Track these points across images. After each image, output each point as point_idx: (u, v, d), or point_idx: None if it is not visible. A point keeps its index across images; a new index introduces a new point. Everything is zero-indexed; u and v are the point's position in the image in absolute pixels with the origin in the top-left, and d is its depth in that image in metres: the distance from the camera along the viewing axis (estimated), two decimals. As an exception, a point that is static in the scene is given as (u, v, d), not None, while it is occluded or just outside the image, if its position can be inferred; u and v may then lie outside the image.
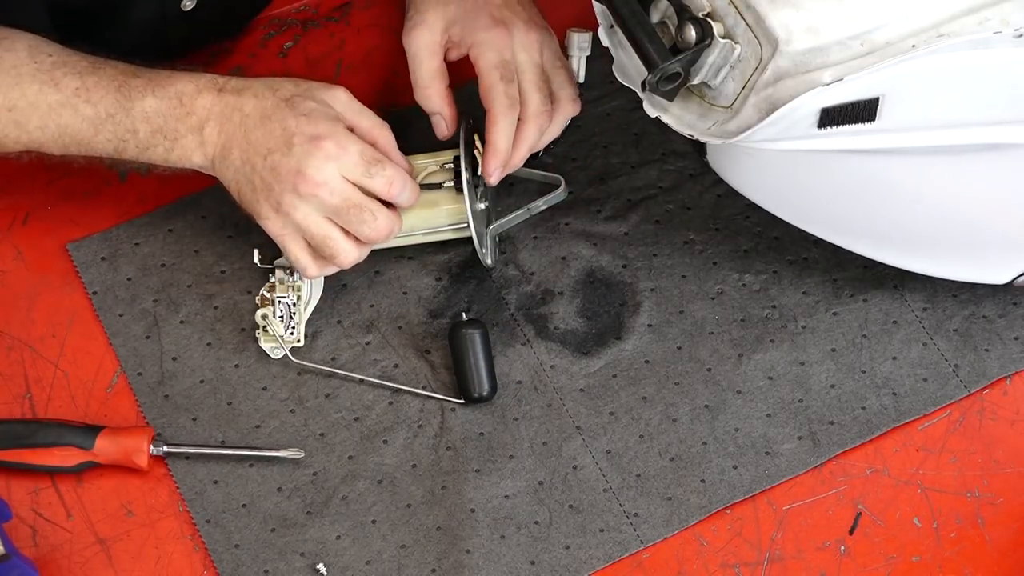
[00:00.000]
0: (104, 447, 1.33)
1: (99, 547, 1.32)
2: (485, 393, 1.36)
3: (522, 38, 1.35)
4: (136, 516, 1.33)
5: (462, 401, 1.37)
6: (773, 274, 1.42)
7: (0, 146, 1.33)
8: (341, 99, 1.32)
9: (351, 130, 1.31)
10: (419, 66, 1.37)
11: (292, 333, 1.37)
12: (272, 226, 1.31)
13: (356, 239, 1.32)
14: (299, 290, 1.38)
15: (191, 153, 1.32)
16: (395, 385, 1.37)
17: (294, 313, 1.37)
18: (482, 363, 1.36)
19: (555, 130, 1.38)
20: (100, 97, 1.31)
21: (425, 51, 1.36)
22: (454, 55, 1.36)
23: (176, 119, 1.31)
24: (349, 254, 1.32)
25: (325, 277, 1.40)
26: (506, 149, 1.35)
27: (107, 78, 1.32)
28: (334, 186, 1.29)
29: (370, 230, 1.31)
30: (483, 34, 1.34)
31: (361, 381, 1.38)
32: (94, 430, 1.33)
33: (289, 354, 1.37)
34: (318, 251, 1.32)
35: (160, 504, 1.34)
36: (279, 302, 1.38)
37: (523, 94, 1.35)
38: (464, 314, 1.39)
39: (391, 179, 1.31)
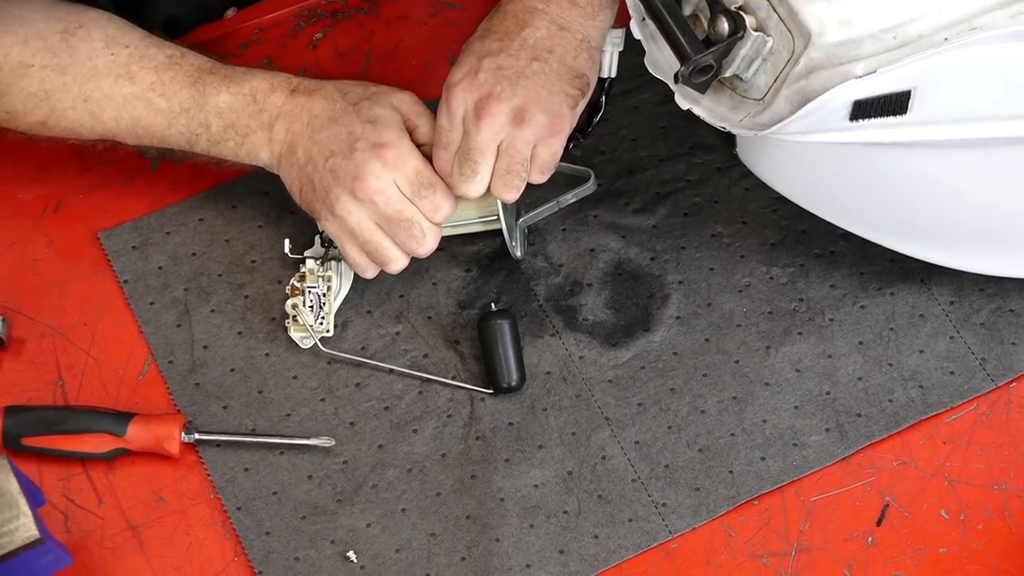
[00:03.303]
0: (136, 434, 1.33)
1: (130, 533, 1.33)
2: (514, 383, 1.37)
3: (471, 106, 1.30)
4: (167, 503, 1.34)
5: (491, 391, 1.37)
6: (800, 267, 1.43)
7: (75, 134, 1.36)
8: (407, 102, 1.34)
9: (412, 130, 1.33)
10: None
11: (322, 323, 1.38)
12: (330, 227, 1.33)
13: (409, 254, 1.34)
14: (329, 280, 1.39)
15: (259, 149, 1.34)
16: (424, 375, 1.38)
17: (324, 303, 1.38)
18: (511, 353, 1.37)
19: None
20: (175, 91, 1.33)
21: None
22: None
23: (248, 115, 1.33)
24: (399, 262, 1.34)
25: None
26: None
27: (183, 73, 1.34)
28: (389, 195, 1.30)
29: (417, 245, 1.32)
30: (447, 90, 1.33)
31: (391, 371, 1.39)
32: (126, 417, 1.34)
33: (319, 343, 1.37)
34: (371, 256, 1.34)
35: (191, 491, 1.35)
36: (309, 292, 1.39)
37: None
38: (493, 304, 1.40)
39: (438, 207, 1.32)
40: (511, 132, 1.30)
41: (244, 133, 1.33)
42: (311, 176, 1.32)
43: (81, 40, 1.33)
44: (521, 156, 1.31)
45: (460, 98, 1.30)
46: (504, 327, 1.37)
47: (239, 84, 1.33)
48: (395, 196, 1.30)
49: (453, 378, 1.38)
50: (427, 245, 1.33)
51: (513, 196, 1.32)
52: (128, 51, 1.34)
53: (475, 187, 1.31)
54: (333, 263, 1.40)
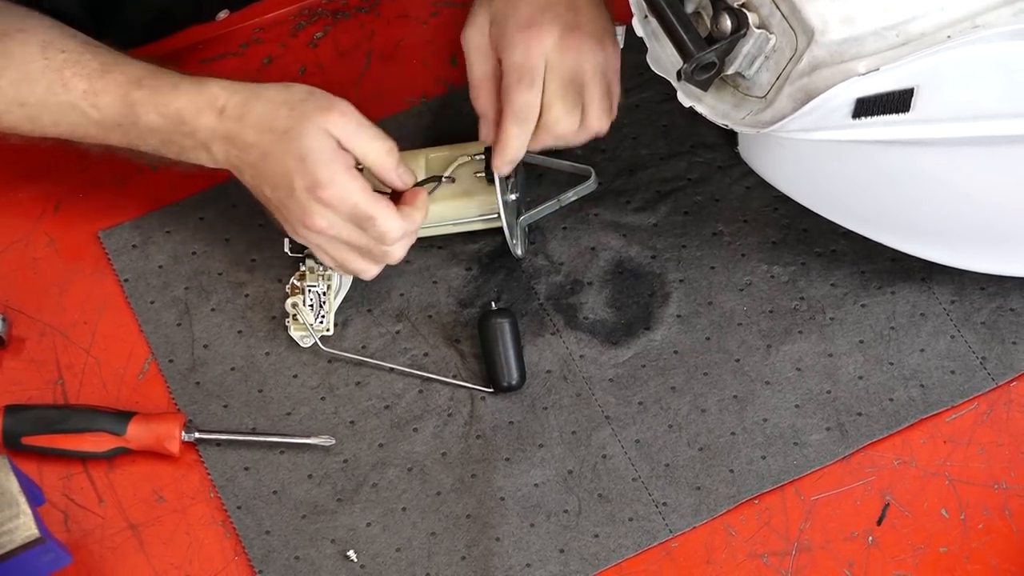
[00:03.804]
0: (136, 433, 1.33)
1: (130, 532, 1.33)
2: (514, 382, 1.37)
3: (556, 43, 1.31)
4: (167, 502, 1.34)
5: (491, 390, 1.37)
6: (801, 266, 1.43)
7: (19, 133, 1.34)
8: (337, 122, 1.28)
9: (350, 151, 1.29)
10: (470, 68, 1.35)
11: (322, 321, 1.38)
12: (298, 239, 1.33)
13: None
14: (329, 279, 1.38)
15: (203, 161, 1.33)
16: (424, 374, 1.38)
17: (324, 302, 1.38)
18: (511, 352, 1.36)
19: (576, 141, 1.35)
20: (107, 104, 1.31)
21: (475, 53, 1.35)
22: (499, 51, 1.33)
23: (181, 135, 1.31)
24: (370, 271, 1.34)
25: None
26: (515, 152, 1.33)
27: (115, 84, 1.31)
28: (339, 229, 1.30)
29: (381, 258, 1.33)
30: (513, 34, 1.31)
31: (391, 370, 1.38)
32: (126, 416, 1.34)
33: (319, 342, 1.37)
34: (341, 268, 1.34)
35: (191, 490, 1.34)
36: (309, 291, 1.38)
37: (545, 101, 1.32)
38: (493, 303, 1.39)
39: (383, 233, 1.30)
40: (602, 57, 1.32)
41: (181, 149, 1.32)
42: (266, 199, 1.32)
43: (18, 44, 1.32)
44: (609, 78, 1.33)
45: (544, 31, 1.30)
46: (504, 326, 1.37)
47: (166, 104, 1.30)
48: (345, 228, 1.30)
49: (454, 377, 1.38)
50: (392, 257, 1.33)
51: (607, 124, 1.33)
52: (63, 56, 1.32)
53: (576, 119, 1.32)
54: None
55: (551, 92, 1.32)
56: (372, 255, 1.32)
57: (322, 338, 1.38)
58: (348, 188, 1.28)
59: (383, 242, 1.31)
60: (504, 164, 1.34)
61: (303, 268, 1.39)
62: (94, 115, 1.31)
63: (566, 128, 1.33)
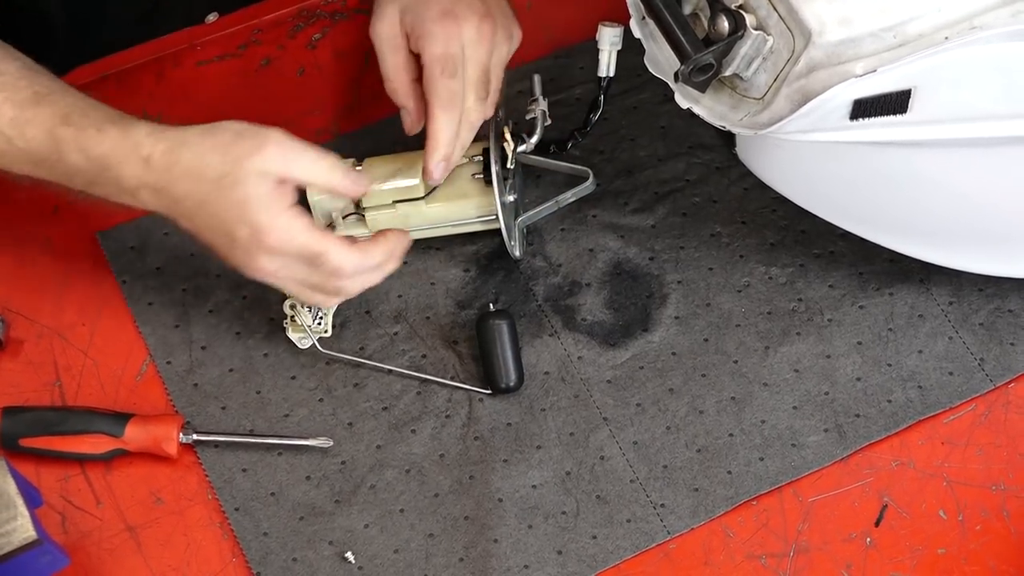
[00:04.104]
0: (134, 435, 1.33)
1: (128, 534, 1.33)
2: (512, 384, 1.37)
3: (473, 34, 1.32)
4: (165, 503, 1.34)
5: (489, 392, 1.37)
6: (799, 267, 1.43)
7: None
8: (271, 155, 1.24)
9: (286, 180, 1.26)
10: (382, 61, 1.35)
11: (320, 323, 1.38)
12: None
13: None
14: None
15: (134, 205, 1.28)
16: (422, 375, 1.38)
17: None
18: (509, 354, 1.36)
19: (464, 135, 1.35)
20: (32, 137, 1.26)
21: (387, 45, 1.35)
22: (414, 47, 1.34)
23: (105, 181, 1.26)
24: (329, 302, 1.33)
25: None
26: (447, 144, 1.33)
27: (42, 117, 1.26)
28: (289, 270, 1.27)
29: (336, 293, 1.31)
30: (431, 25, 1.32)
31: (389, 371, 1.38)
32: (124, 418, 1.34)
33: (317, 344, 1.37)
34: (298, 299, 1.33)
35: (189, 492, 1.34)
36: None
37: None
38: (492, 305, 1.39)
39: (336, 269, 1.27)
40: (506, 48, 1.34)
41: (107, 191, 1.27)
42: (208, 244, 1.27)
43: None
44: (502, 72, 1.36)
45: (462, 22, 1.30)
46: (503, 327, 1.36)
47: (91, 147, 1.25)
48: (296, 268, 1.27)
49: (452, 379, 1.38)
50: (348, 292, 1.30)
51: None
52: (0, 80, 1.28)
53: (487, 111, 1.33)
54: None
55: (467, 82, 1.32)
56: (326, 290, 1.30)
57: (320, 340, 1.38)
58: (292, 230, 1.25)
59: (338, 277, 1.28)
60: (439, 159, 1.33)
61: None
62: (21, 145, 1.27)
63: (478, 117, 1.34)
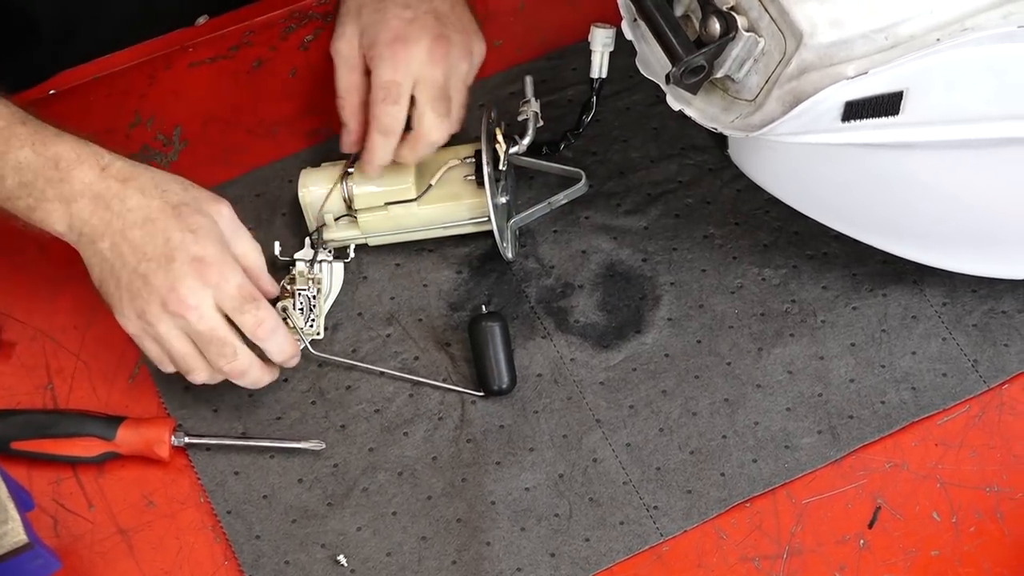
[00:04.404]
0: (126, 438, 1.33)
1: (120, 537, 1.33)
2: (505, 386, 1.36)
3: (425, 57, 1.33)
4: (157, 507, 1.34)
5: (482, 394, 1.37)
6: (793, 268, 1.43)
7: None
8: (225, 215, 1.28)
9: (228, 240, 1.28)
10: (337, 78, 1.37)
11: (312, 325, 1.38)
12: (129, 327, 1.28)
13: (219, 373, 1.30)
14: (319, 283, 1.38)
15: (53, 220, 1.26)
16: (415, 378, 1.38)
17: (314, 306, 1.38)
18: (502, 356, 1.36)
19: (420, 150, 1.36)
20: None
21: (343, 63, 1.36)
22: (369, 64, 1.35)
23: (46, 180, 1.26)
24: (202, 373, 1.29)
25: (345, 270, 1.40)
26: (377, 166, 1.35)
27: None
28: (204, 312, 1.25)
29: (227, 365, 1.28)
30: (382, 49, 1.33)
31: (381, 374, 1.38)
32: (115, 421, 1.33)
33: (309, 347, 1.37)
34: (174, 363, 1.29)
35: (181, 495, 1.34)
36: (299, 295, 1.38)
37: (419, 112, 1.34)
38: (484, 307, 1.39)
39: (261, 320, 1.27)
40: (465, 66, 1.36)
41: (39, 198, 1.26)
42: (117, 272, 1.26)
43: None
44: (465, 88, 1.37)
45: (412, 48, 1.32)
46: (495, 329, 1.36)
47: (45, 145, 1.26)
48: (209, 314, 1.25)
49: (444, 381, 1.38)
50: (237, 367, 1.28)
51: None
52: None
53: (452, 127, 1.35)
54: (324, 265, 1.39)
55: (423, 104, 1.34)
56: (219, 356, 1.27)
57: (312, 342, 1.37)
58: (234, 268, 1.26)
59: (256, 330, 1.27)
60: (372, 172, 1.36)
61: (293, 272, 1.38)
62: None
63: (439, 136, 1.35)
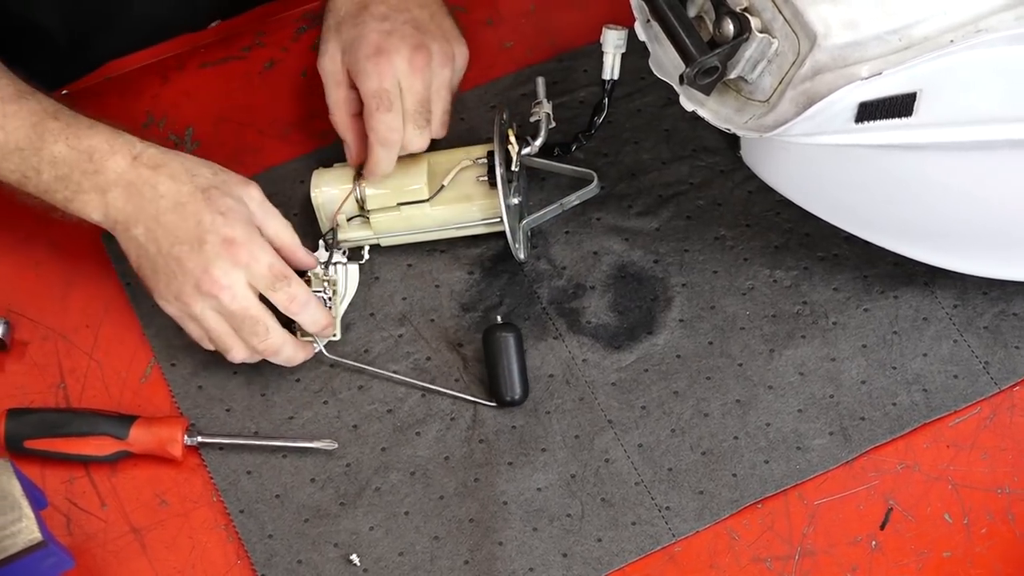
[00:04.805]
0: (138, 437, 1.33)
1: (133, 536, 1.33)
2: (517, 397, 1.36)
3: (406, 67, 1.34)
4: (170, 506, 1.34)
5: (494, 404, 1.37)
6: (804, 270, 1.43)
7: None
8: (255, 197, 1.31)
9: (259, 229, 1.31)
10: (327, 95, 1.39)
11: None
12: (169, 308, 1.31)
13: (254, 352, 1.32)
14: (335, 284, 1.38)
15: (90, 210, 1.30)
16: (426, 385, 1.37)
17: (330, 306, 1.37)
18: (515, 367, 1.35)
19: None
20: (14, 127, 1.29)
21: (330, 80, 1.38)
22: (355, 82, 1.36)
23: (82, 173, 1.29)
24: (240, 353, 1.32)
25: (360, 271, 1.40)
26: (384, 170, 1.36)
27: (27, 111, 1.30)
28: (237, 291, 1.28)
29: (260, 343, 1.30)
30: (364, 63, 1.34)
31: (389, 378, 1.38)
32: (128, 420, 1.34)
33: (323, 350, 1.36)
34: (212, 342, 1.32)
35: (194, 494, 1.34)
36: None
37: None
38: (499, 317, 1.39)
39: (293, 296, 1.30)
40: (447, 72, 1.36)
41: (75, 190, 1.29)
42: (153, 257, 1.29)
43: None
44: (453, 89, 1.39)
45: (393, 58, 1.33)
46: (509, 340, 1.35)
47: (78, 138, 1.29)
48: (242, 293, 1.28)
49: (456, 381, 1.38)
50: (271, 344, 1.31)
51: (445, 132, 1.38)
52: None
53: (434, 133, 1.36)
54: (339, 267, 1.39)
55: (405, 114, 1.35)
56: (252, 335, 1.30)
57: (330, 344, 1.37)
58: (264, 248, 1.29)
59: (289, 307, 1.30)
60: (378, 179, 1.38)
61: (309, 274, 1.38)
62: None
63: (419, 145, 1.36)
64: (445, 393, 1.37)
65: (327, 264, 1.38)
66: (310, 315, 1.32)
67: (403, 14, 1.36)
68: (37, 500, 1.26)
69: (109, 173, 1.29)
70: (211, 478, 1.35)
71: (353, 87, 1.37)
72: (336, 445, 1.35)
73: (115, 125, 1.32)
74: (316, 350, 1.36)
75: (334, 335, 1.38)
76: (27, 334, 1.39)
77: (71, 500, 1.34)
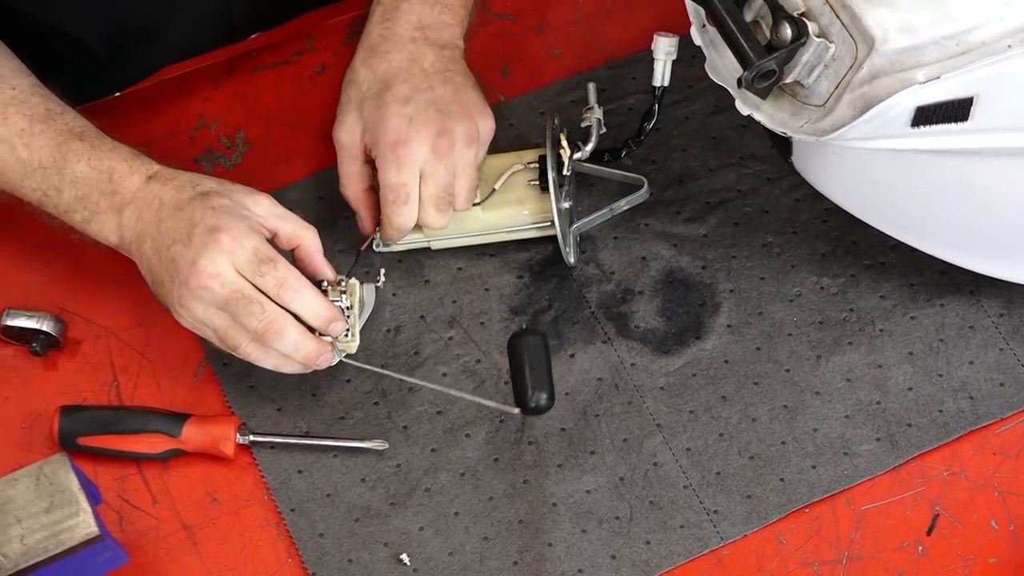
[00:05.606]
0: (191, 435, 1.34)
1: (184, 534, 1.34)
2: (543, 403, 1.30)
3: (428, 154, 1.34)
4: (221, 504, 1.34)
5: (517, 411, 1.32)
6: (851, 278, 1.44)
7: None
8: (263, 204, 1.30)
9: (274, 237, 1.30)
10: (340, 166, 1.39)
11: (347, 336, 1.34)
12: (182, 322, 1.30)
13: (258, 338, 1.29)
14: (352, 295, 1.34)
15: (107, 231, 1.31)
16: (445, 390, 1.36)
17: (348, 316, 1.34)
18: (539, 372, 1.30)
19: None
20: (40, 145, 1.31)
21: (345, 154, 1.38)
22: (372, 158, 1.37)
23: (100, 193, 1.30)
24: (249, 346, 1.29)
25: (410, 276, 1.41)
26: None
27: (54, 130, 1.31)
28: (225, 278, 1.26)
29: (257, 323, 1.27)
30: (385, 151, 1.34)
31: (406, 382, 1.38)
32: (181, 418, 1.34)
33: (344, 359, 1.34)
34: (224, 344, 1.30)
35: (245, 492, 1.35)
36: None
37: (421, 204, 1.35)
38: (524, 324, 1.39)
39: (282, 280, 1.27)
40: (472, 152, 1.36)
41: (93, 210, 1.30)
42: (158, 269, 1.29)
43: None
44: (479, 164, 1.39)
45: (414, 148, 1.33)
46: (529, 345, 1.31)
47: (100, 159, 1.30)
48: (230, 277, 1.26)
49: (506, 383, 1.38)
50: (268, 321, 1.27)
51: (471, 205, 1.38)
52: (12, 93, 1.32)
53: (449, 215, 1.36)
54: (355, 282, 1.35)
55: (425, 200, 1.35)
56: (249, 316, 1.27)
57: (348, 347, 1.34)
58: (249, 233, 1.27)
59: (280, 293, 1.27)
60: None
61: (325, 285, 1.34)
62: (23, 154, 1.31)
63: (440, 225, 1.37)
64: (467, 399, 1.36)
65: (349, 273, 1.36)
66: (306, 302, 1.28)
67: (425, 94, 1.35)
68: (92, 495, 1.26)
69: (125, 193, 1.30)
70: (262, 477, 1.35)
71: (368, 161, 1.37)
72: (387, 445, 1.36)
73: (138, 148, 1.33)
74: (335, 359, 1.33)
75: (348, 340, 1.33)
76: (80, 332, 1.40)
77: (123, 497, 1.34)
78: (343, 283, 1.34)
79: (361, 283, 1.37)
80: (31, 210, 1.34)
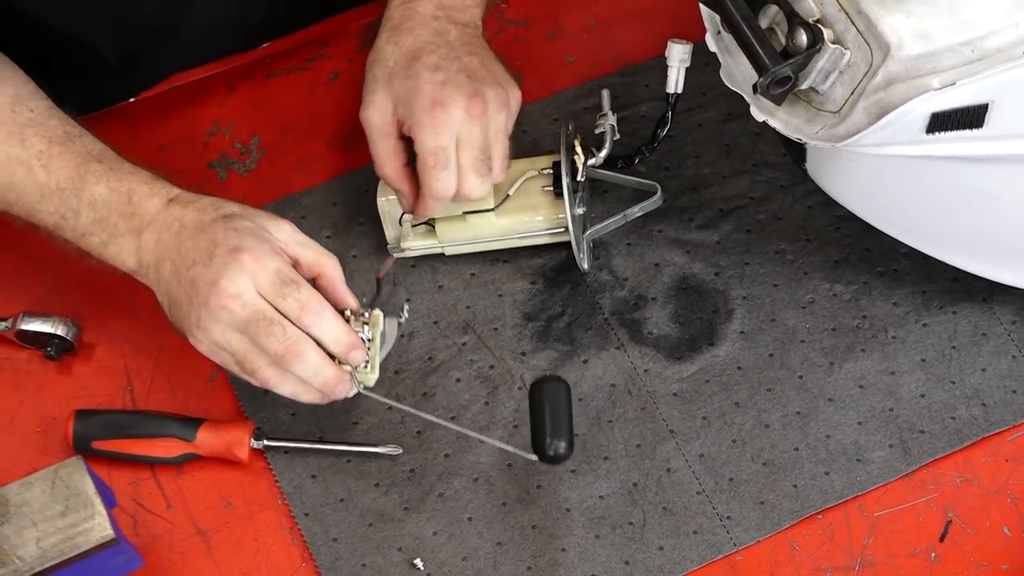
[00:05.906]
0: (205, 439, 1.34)
1: (199, 538, 1.34)
2: (561, 452, 1.27)
3: (463, 116, 1.32)
4: (235, 508, 1.35)
5: (535, 458, 1.29)
6: (863, 285, 1.44)
7: None
8: (285, 230, 1.28)
9: (295, 264, 1.27)
10: (373, 146, 1.36)
11: (366, 366, 1.31)
12: (199, 346, 1.27)
13: (278, 361, 1.25)
14: (376, 325, 1.32)
15: (125, 255, 1.30)
16: (460, 428, 1.34)
17: (369, 347, 1.31)
18: (555, 419, 1.28)
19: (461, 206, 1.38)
20: (58, 167, 1.29)
21: (377, 132, 1.35)
22: (407, 132, 1.34)
23: (119, 215, 1.29)
24: (267, 371, 1.26)
25: (424, 282, 1.41)
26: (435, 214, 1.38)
27: (72, 152, 1.30)
28: (246, 299, 1.23)
29: (278, 345, 1.24)
30: (420, 115, 1.32)
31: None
32: (196, 422, 1.35)
33: (361, 390, 1.31)
34: (242, 368, 1.27)
35: (259, 497, 1.35)
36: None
37: (460, 172, 1.33)
38: (545, 371, 1.38)
39: (304, 302, 1.24)
40: (503, 117, 1.35)
41: (111, 233, 1.29)
42: (176, 292, 1.27)
43: None
44: (508, 134, 1.37)
45: (451, 109, 1.31)
46: (553, 392, 1.29)
47: (119, 180, 1.29)
48: (252, 298, 1.23)
49: (520, 388, 1.38)
50: (290, 343, 1.24)
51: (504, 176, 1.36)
52: (30, 115, 1.31)
53: (490, 182, 1.35)
54: (377, 314, 1.33)
55: (465, 166, 1.33)
56: (269, 338, 1.24)
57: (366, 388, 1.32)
58: (271, 255, 1.25)
59: (301, 316, 1.24)
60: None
61: (348, 314, 1.30)
62: (40, 176, 1.29)
63: (481, 193, 1.35)
64: (482, 440, 1.34)
65: (372, 303, 1.34)
66: (327, 327, 1.25)
67: (455, 63, 1.35)
68: (107, 499, 1.26)
69: (144, 215, 1.28)
70: (276, 481, 1.36)
71: (401, 138, 1.35)
72: (400, 451, 1.36)
73: (156, 174, 1.32)
74: (352, 390, 1.30)
75: (367, 372, 1.30)
76: (94, 337, 1.40)
77: (137, 501, 1.35)
78: (367, 314, 1.31)
79: (384, 316, 1.34)
80: (47, 234, 1.33)
